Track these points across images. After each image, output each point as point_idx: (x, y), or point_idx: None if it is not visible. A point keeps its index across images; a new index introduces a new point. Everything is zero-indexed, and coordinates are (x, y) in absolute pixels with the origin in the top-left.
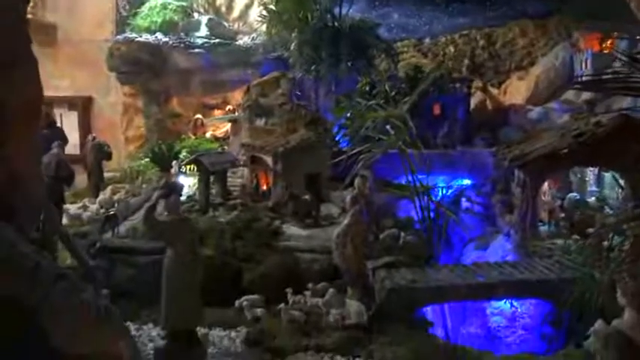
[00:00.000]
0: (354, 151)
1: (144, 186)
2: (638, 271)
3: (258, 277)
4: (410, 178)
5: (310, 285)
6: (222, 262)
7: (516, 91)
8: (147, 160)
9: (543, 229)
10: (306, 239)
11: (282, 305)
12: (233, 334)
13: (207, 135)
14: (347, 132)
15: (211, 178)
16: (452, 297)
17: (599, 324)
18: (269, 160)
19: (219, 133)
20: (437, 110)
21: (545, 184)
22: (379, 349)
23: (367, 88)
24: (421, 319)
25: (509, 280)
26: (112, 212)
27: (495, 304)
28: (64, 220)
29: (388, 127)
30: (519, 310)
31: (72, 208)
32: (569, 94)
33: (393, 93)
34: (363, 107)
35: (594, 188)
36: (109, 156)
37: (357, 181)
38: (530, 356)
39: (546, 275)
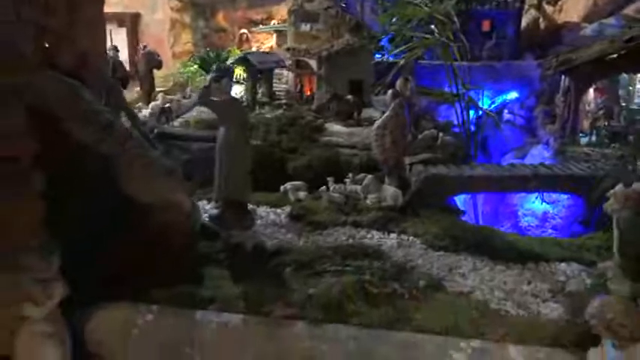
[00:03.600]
0: (398, 50)
1: (190, 92)
2: None
3: (301, 166)
4: (451, 77)
5: (350, 175)
6: (268, 152)
7: (573, 8)
8: (196, 66)
9: (584, 139)
10: (347, 136)
11: (323, 188)
12: (278, 210)
13: (253, 49)
14: (391, 34)
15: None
16: (484, 187)
17: (619, 187)
18: (314, 64)
19: (265, 47)
20: (486, 27)
21: (591, 94)
22: (412, 226)
23: None
24: (454, 207)
25: (542, 173)
26: (167, 105)
27: (527, 205)
28: None
29: (432, 26)
30: (551, 211)
31: None
32: (630, 9)
33: None
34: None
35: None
36: (159, 64)
37: (398, 82)
38: (553, 239)
39: (580, 172)
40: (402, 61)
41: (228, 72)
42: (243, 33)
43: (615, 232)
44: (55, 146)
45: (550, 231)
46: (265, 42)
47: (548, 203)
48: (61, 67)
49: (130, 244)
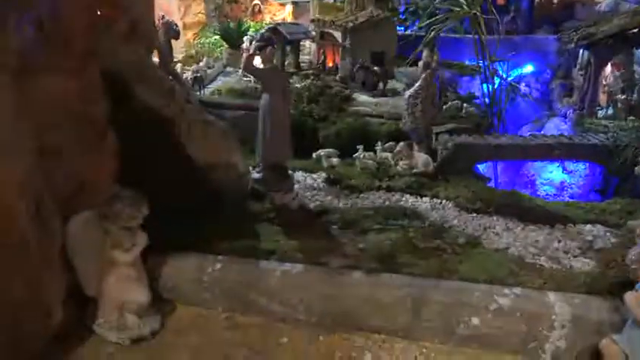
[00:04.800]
0: (427, 23)
1: (211, 62)
2: None
3: (332, 134)
4: (479, 50)
5: (379, 143)
6: (300, 121)
7: None
8: (216, 37)
9: (601, 113)
10: (374, 106)
11: (357, 154)
12: (314, 175)
13: (266, 21)
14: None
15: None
16: (510, 155)
17: None
18: (338, 35)
19: (278, 19)
20: (501, 0)
21: (609, 68)
22: (443, 190)
23: None
24: (480, 175)
25: (565, 142)
26: (199, 75)
27: (545, 174)
28: None
29: None
30: (568, 181)
31: None
32: None
33: None
34: None
35: None
36: (177, 34)
37: (425, 53)
38: (577, 203)
39: (602, 142)
40: (432, 34)
41: (271, 41)
42: (256, 4)
43: None
44: (124, 108)
45: (567, 199)
46: (277, 14)
47: (566, 173)
48: (115, 34)
49: (192, 200)
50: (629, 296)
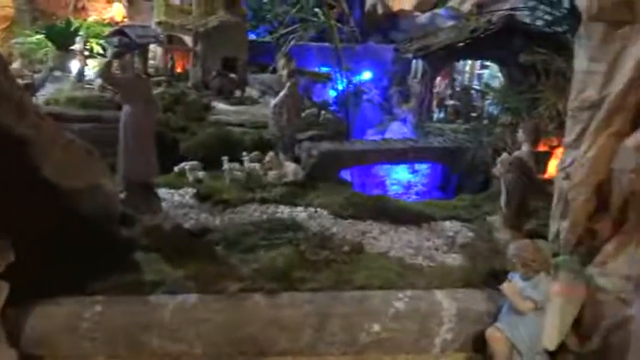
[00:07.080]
0: (285, 31)
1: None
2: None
3: (194, 146)
4: (336, 58)
5: (245, 153)
6: (157, 132)
7: None
8: (39, 37)
9: (434, 116)
10: (234, 114)
11: (226, 166)
12: (181, 191)
13: (91, 19)
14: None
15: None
16: (373, 159)
17: (503, 155)
18: (188, 39)
19: (105, 17)
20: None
21: (439, 77)
22: (316, 198)
23: None
24: (344, 180)
25: (418, 146)
26: (29, 81)
27: (394, 175)
28: None
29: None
30: (413, 180)
31: None
32: (454, 2)
33: None
34: None
35: (475, 82)
36: None
37: (281, 61)
38: (433, 201)
39: (445, 144)
40: (292, 42)
41: (131, 47)
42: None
43: (503, 191)
44: None
45: (414, 197)
46: (104, 12)
47: (412, 173)
48: None
49: (57, 234)
50: (506, 286)
